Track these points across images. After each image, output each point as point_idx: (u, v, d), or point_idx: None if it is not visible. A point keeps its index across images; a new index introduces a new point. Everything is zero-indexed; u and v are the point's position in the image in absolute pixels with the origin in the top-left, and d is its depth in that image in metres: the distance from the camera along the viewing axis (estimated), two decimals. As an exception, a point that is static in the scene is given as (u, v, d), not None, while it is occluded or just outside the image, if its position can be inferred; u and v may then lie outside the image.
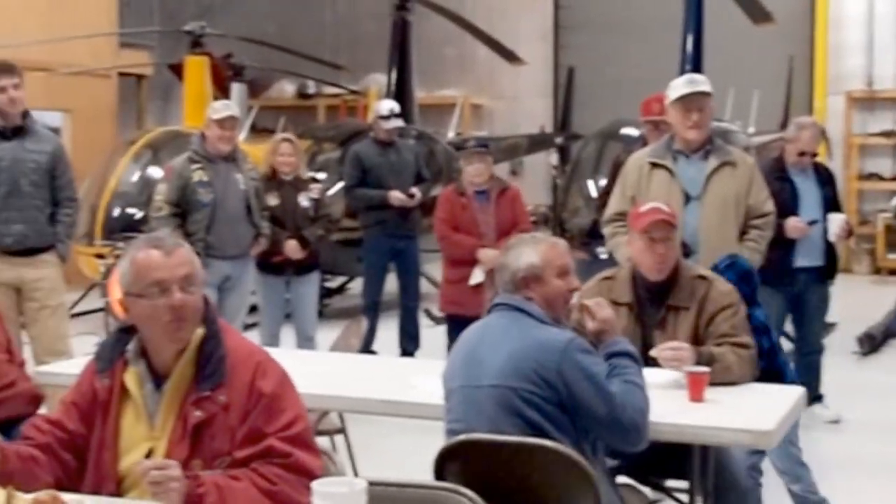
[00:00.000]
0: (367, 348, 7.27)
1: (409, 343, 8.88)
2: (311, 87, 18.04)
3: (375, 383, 4.51)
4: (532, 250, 3.69)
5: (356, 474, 4.74)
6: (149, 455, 2.98)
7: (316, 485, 2.46)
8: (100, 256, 9.95)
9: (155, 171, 11.09)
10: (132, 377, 3.03)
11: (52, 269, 6.38)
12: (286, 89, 18.33)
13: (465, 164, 7.42)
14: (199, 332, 3.00)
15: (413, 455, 5.17)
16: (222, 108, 7.16)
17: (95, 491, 3.00)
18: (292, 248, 7.48)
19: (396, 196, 8.62)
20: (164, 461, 2.78)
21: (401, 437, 6.14)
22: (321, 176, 7.90)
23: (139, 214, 10.80)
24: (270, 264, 7.59)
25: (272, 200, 7.54)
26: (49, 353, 6.14)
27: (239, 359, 2.99)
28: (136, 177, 11.16)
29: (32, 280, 6.29)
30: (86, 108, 14.48)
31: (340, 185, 8.97)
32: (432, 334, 9.00)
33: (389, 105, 9.05)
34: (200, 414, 2.93)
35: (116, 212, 10.84)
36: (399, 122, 9.04)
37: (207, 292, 6.08)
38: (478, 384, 3.56)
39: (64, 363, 5.27)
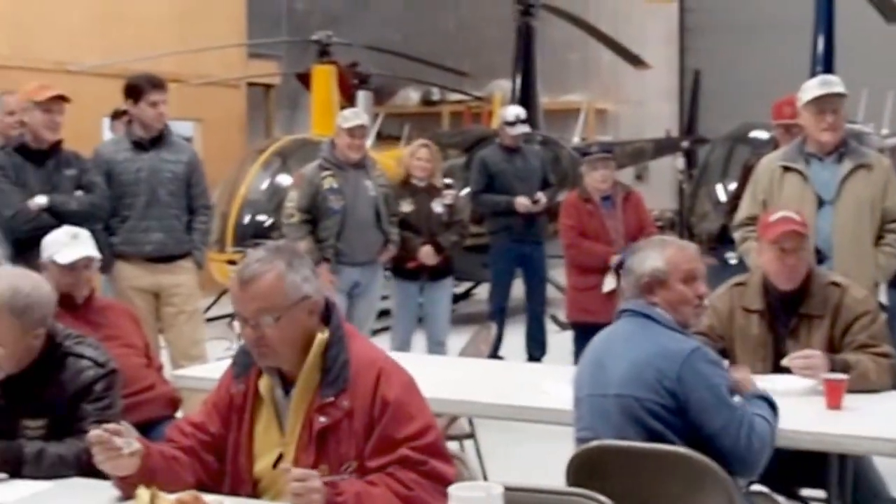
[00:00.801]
0: (494, 354, 7.28)
1: (536, 349, 8.87)
2: (436, 94, 18.16)
3: (505, 389, 4.52)
4: (657, 254, 3.59)
5: (486, 479, 4.75)
6: (279, 460, 3.04)
7: (453, 489, 2.47)
8: (231, 262, 10.13)
9: (284, 179, 11.28)
10: (265, 383, 3.08)
11: (189, 275, 6.52)
12: (411, 96, 18.48)
13: (588, 169, 7.37)
14: (323, 337, 3.01)
15: (542, 461, 5.15)
16: (352, 117, 7.25)
17: (233, 493, 3.07)
18: (427, 254, 7.51)
19: (522, 202, 8.62)
20: (305, 472, 2.79)
21: (529, 443, 6.13)
22: (442, 181, 7.90)
23: (269, 221, 10.98)
24: (405, 270, 7.65)
25: (406, 206, 7.60)
26: (185, 357, 6.29)
27: (362, 365, 2.99)
28: (265, 184, 11.34)
29: (170, 286, 6.43)
30: (216, 117, 14.79)
31: (466, 191, 8.99)
32: (558, 340, 8.98)
33: (515, 111, 9.06)
34: (325, 420, 2.95)
35: (247, 219, 11.03)
36: (525, 128, 9.04)
37: (337, 298, 6.21)
38: (604, 393, 3.52)
39: (199, 367, 5.40)
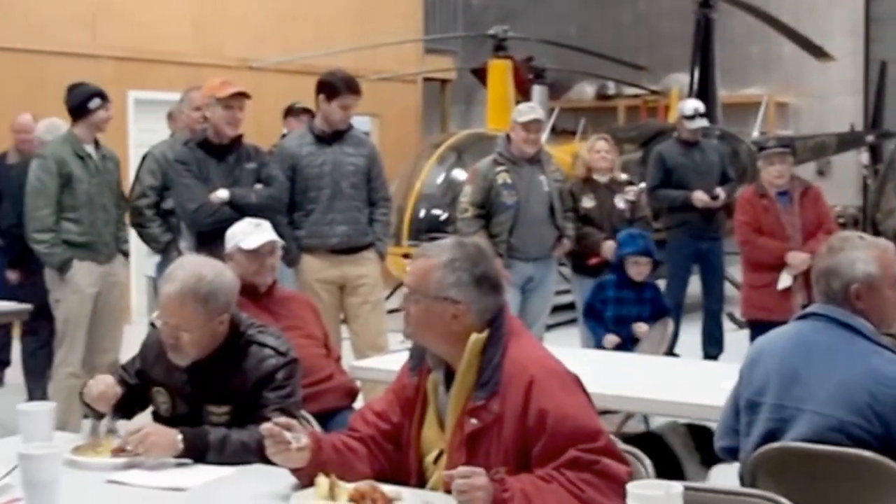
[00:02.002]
0: (670, 351, 7.17)
1: (712, 346, 8.71)
2: (611, 88, 17.98)
3: (682, 386, 4.45)
4: (867, 256, 3.31)
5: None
6: (439, 457, 3.04)
7: (631, 487, 2.44)
8: (406, 256, 10.22)
9: (459, 174, 11.33)
10: (432, 380, 3.08)
11: (373, 266, 6.61)
12: (586, 91, 18.35)
13: (765, 164, 7.19)
14: (479, 337, 2.97)
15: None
16: (527, 111, 7.23)
17: (402, 484, 3.08)
18: (609, 249, 7.41)
19: (700, 197, 8.47)
20: (469, 469, 2.75)
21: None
22: (623, 176, 7.81)
23: (444, 216, 11.05)
24: (587, 266, 7.60)
25: (588, 202, 7.55)
26: (370, 348, 6.37)
27: (514, 370, 2.91)
28: (440, 179, 11.41)
29: (355, 277, 6.52)
30: (393, 112, 14.97)
31: (642, 185, 8.88)
32: (735, 338, 8.80)
33: (694, 105, 8.91)
34: (475, 422, 2.92)
35: (422, 213, 11.11)
36: (704, 122, 8.89)
37: (510, 293, 6.19)
38: (798, 406, 3.28)
39: (377, 359, 5.46)
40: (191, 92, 7.02)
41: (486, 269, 3.04)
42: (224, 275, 3.58)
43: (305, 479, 2.99)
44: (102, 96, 6.54)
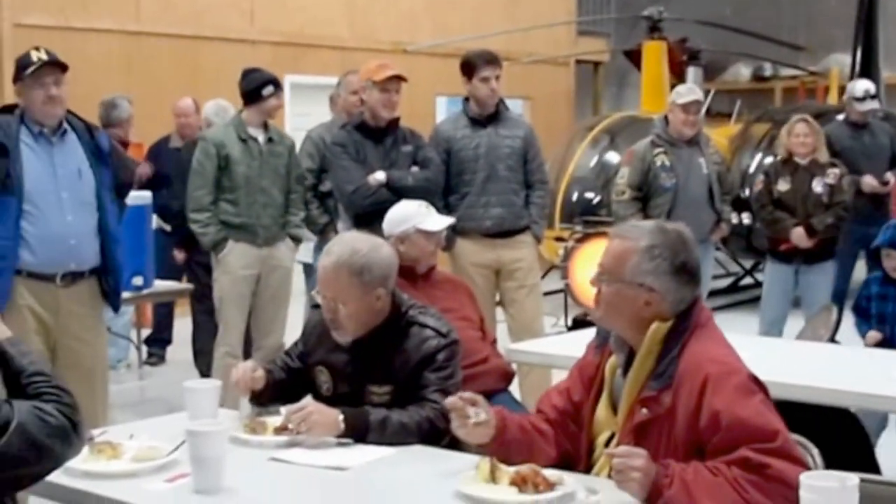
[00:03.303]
0: (831, 338, 6.96)
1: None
2: (768, 70, 17.55)
3: (847, 375, 4.30)
4: None
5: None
6: (609, 441, 2.99)
7: (805, 477, 2.36)
8: (559, 240, 10.18)
9: (612, 157, 11.24)
10: (612, 362, 3.03)
11: (529, 249, 6.55)
12: (742, 72, 17.95)
13: None
14: (662, 326, 2.88)
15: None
16: (687, 93, 7.10)
17: (574, 464, 3.06)
18: (799, 237, 7.17)
19: (869, 182, 8.17)
20: (629, 449, 2.71)
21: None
22: (825, 158, 7.46)
23: (596, 199, 10.98)
24: (779, 252, 7.41)
25: (783, 185, 7.31)
26: (525, 332, 6.30)
27: (690, 366, 2.81)
28: (593, 162, 11.35)
29: (511, 261, 6.47)
30: (545, 95, 14.91)
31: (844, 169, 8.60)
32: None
33: (865, 85, 8.60)
34: (646, 412, 2.85)
35: (574, 196, 11.06)
36: (875, 104, 8.60)
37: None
38: None
39: (533, 342, 5.42)
40: (349, 75, 7.07)
41: (686, 258, 2.94)
42: (380, 249, 3.57)
43: (492, 455, 2.99)
44: (276, 84, 6.63)
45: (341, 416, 3.33)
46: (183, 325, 8.39)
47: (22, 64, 4.83)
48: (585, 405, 3.09)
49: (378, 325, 3.56)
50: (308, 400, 3.38)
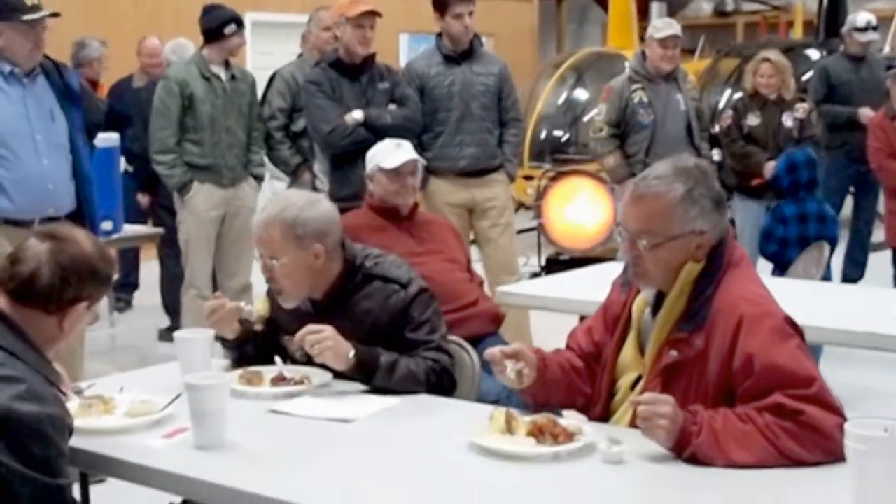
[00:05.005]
0: (824, 277, 6.90)
1: (854, 270, 8.36)
2: (730, 4, 17.44)
3: (847, 314, 4.22)
4: None
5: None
6: (636, 383, 2.87)
7: (849, 426, 2.26)
8: (528, 178, 10.06)
9: (580, 94, 11.11)
10: (639, 301, 2.91)
11: (503, 187, 6.44)
12: (703, 7, 17.82)
13: (892, 84, 6.84)
14: (695, 267, 2.76)
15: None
16: (664, 27, 6.94)
17: (590, 404, 2.98)
18: (772, 170, 7.12)
19: (867, 114, 8.01)
20: (655, 396, 2.61)
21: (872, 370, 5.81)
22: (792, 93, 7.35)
23: (565, 137, 10.87)
24: (749, 187, 7.31)
25: (752, 120, 7.25)
26: (503, 271, 6.23)
27: (725, 306, 2.69)
28: (561, 99, 11.22)
29: (485, 200, 6.36)
30: (508, 32, 14.69)
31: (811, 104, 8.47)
32: (874, 262, 8.47)
33: (867, 17, 8.43)
34: (675, 354, 2.74)
35: (543, 134, 10.94)
36: (875, 35, 8.45)
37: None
38: None
39: (519, 284, 5.33)
40: (320, 11, 6.89)
41: (716, 186, 2.82)
42: (316, 205, 3.36)
43: (530, 398, 2.93)
44: (238, 22, 6.48)
45: (352, 352, 3.18)
46: (148, 270, 8.23)
47: (12, 5, 4.58)
48: (608, 345, 2.97)
49: (333, 284, 3.37)
50: (327, 327, 3.20)
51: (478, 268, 6.13)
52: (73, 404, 2.93)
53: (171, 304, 7.27)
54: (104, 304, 7.83)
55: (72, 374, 3.96)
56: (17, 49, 4.60)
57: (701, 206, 2.76)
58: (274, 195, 3.59)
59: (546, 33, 16.21)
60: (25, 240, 2.60)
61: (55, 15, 4.68)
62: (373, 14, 5.99)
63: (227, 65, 6.52)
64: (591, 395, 2.99)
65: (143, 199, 7.76)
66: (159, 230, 7.22)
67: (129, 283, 8.59)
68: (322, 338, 3.16)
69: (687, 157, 2.94)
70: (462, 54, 6.34)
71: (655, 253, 2.77)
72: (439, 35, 6.43)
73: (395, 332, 3.33)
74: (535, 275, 8.50)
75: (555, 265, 8.83)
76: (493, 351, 2.89)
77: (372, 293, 3.36)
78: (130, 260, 8.53)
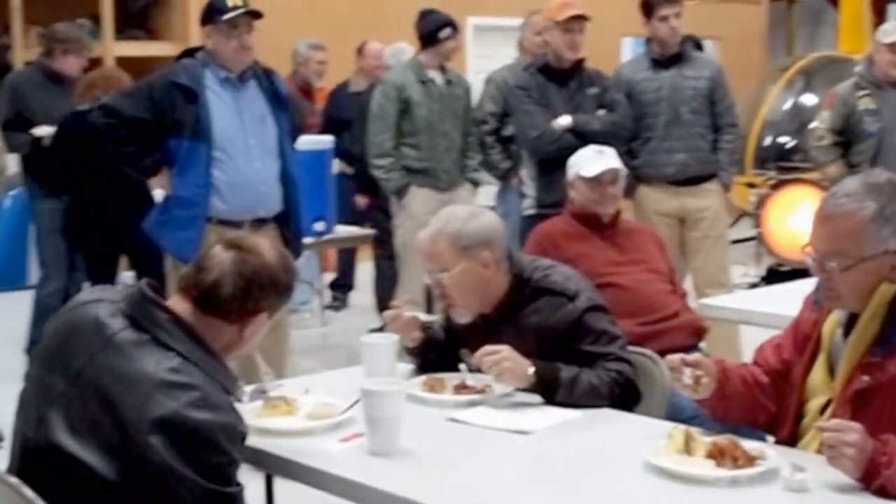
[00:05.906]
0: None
1: None
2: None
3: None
4: None
5: None
6: (826, 407, 2.72)
7: None
8: (751, 186, 9.79)
9: (808, 99, 10.75)
10: (831, 321, 2.76)
11: (716, 198, 6.22)
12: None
13: None
14: (892, 287, 2.60)
15: None
16: (894, 31, 6.61)
17: (775, 427, 2.86)
18: None
19: None
20: (843, 423, 2.46)
21: None
22: None
23: (791, 143, 10.55)
24: None
25: None
26: (711, 285, 6.02)
27: None
28: (788, 105, 10.90)
29: (696, 210, 6.16)
30: (735, 35, 14.33)
31: None
32: None
33: None
34: (867, 379, 2.58)
35: (767, 140, 10.66)
36: None
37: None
38: None
39: (726, 297, 5.15)
40: (533, 16, 6.89)
41: None
42: (479, 216, 3.36)
43: (709, 410, 2.85)
44: (453, 26, 6.55)
45: (532, 369, 3.13)
46: (364, 271, 8.36)
47: (216, 7, 4.77)
48: (796, 365, 2.83)
49: (502, 298, 3.34)
50: (504, 347, 3.17)
51: (688, 281, 6.01)
52: (257, 404, 2.99)
53: (384, 306, 7.35)
54: (315, 302, 8.07)
55: (277, 368, 4.09)
56: (223, 51, 4.76)
57: (894, 224, 2.60)
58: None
59: (776, 36, 15.74)
60: (211, 247, 2.63)
61: (257, 15, 4.78)
62: (581, 18, 5.90)
63: (442, 69, 6.58)
64: (774, 413, 2.87)
65: (362, 201, 7.89)
66: (372, 231, 7.34)
67: (345, 284, 8.77)
68: (500, 359, 3.11)
69: (879, 171, 2.76)
70: (671, 58, 6.19)
71: (846, 276, 2.62)
72: (648, 39, 6.31)
73: (569, 345, 3.26)
74: (753, 285, 8.26)
75: (776, 276, 8.55)
76: (673, 358, 2.81)
77: (541, 307, 3.32)
78: (348, 261, 8.70)
